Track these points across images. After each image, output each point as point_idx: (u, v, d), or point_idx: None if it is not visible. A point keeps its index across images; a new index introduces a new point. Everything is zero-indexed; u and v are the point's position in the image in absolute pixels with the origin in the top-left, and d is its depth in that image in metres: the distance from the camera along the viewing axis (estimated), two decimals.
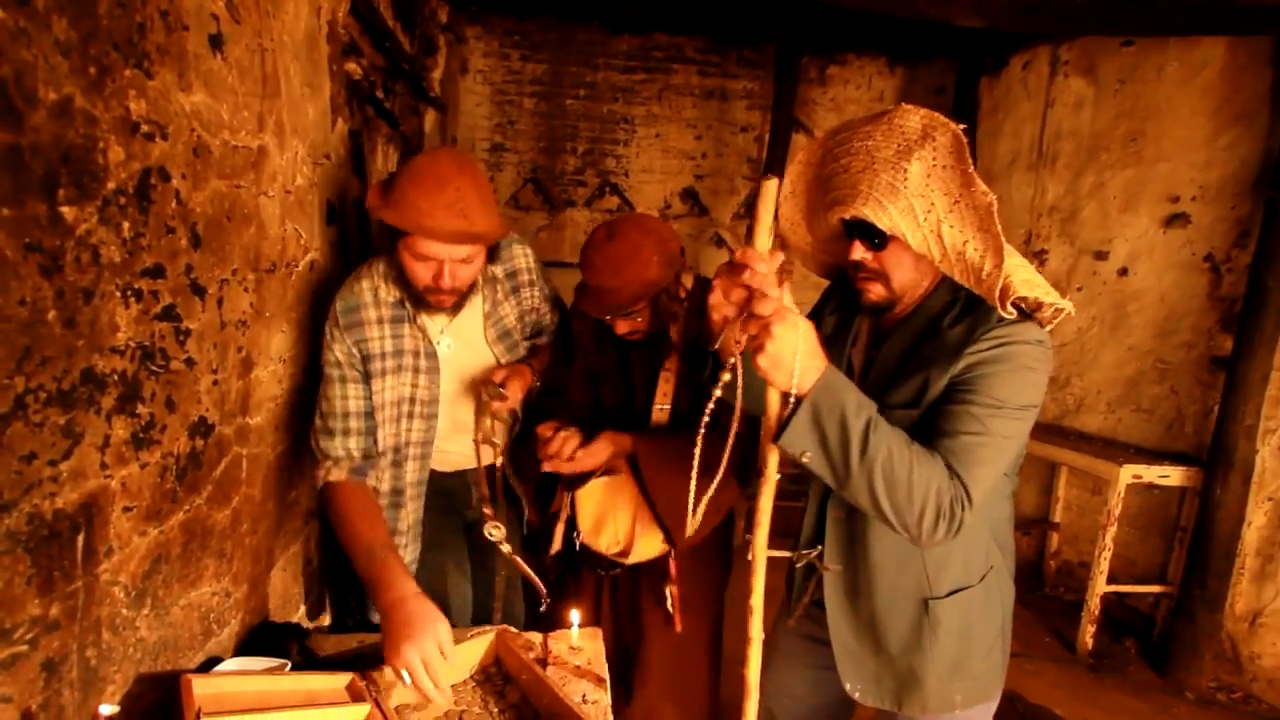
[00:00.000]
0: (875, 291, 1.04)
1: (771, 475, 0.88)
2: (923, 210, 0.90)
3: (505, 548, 1.44)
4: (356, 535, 1.25)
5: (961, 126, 0.90)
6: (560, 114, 4.20)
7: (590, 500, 1.50)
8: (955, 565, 1.10)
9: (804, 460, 0.89)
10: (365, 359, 1.36)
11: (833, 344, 1.21)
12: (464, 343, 1.48)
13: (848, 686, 1.17)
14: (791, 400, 0.86)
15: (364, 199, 2.06)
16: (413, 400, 1.43)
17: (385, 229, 1.28)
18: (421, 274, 1.29)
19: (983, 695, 1.15)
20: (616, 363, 1.58)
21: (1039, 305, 0.96)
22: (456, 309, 1.40)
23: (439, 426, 1.48)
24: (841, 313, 1.21)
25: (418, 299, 1.35)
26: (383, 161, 2.47)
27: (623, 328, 1.47)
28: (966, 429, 0.94)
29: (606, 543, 1.49)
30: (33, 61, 0.70)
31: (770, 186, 0.79)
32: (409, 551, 1.49)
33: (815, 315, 1.32)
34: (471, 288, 1.38)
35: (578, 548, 1.52)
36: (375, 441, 1.40)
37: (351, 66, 1.92)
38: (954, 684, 1.12)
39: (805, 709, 1.32)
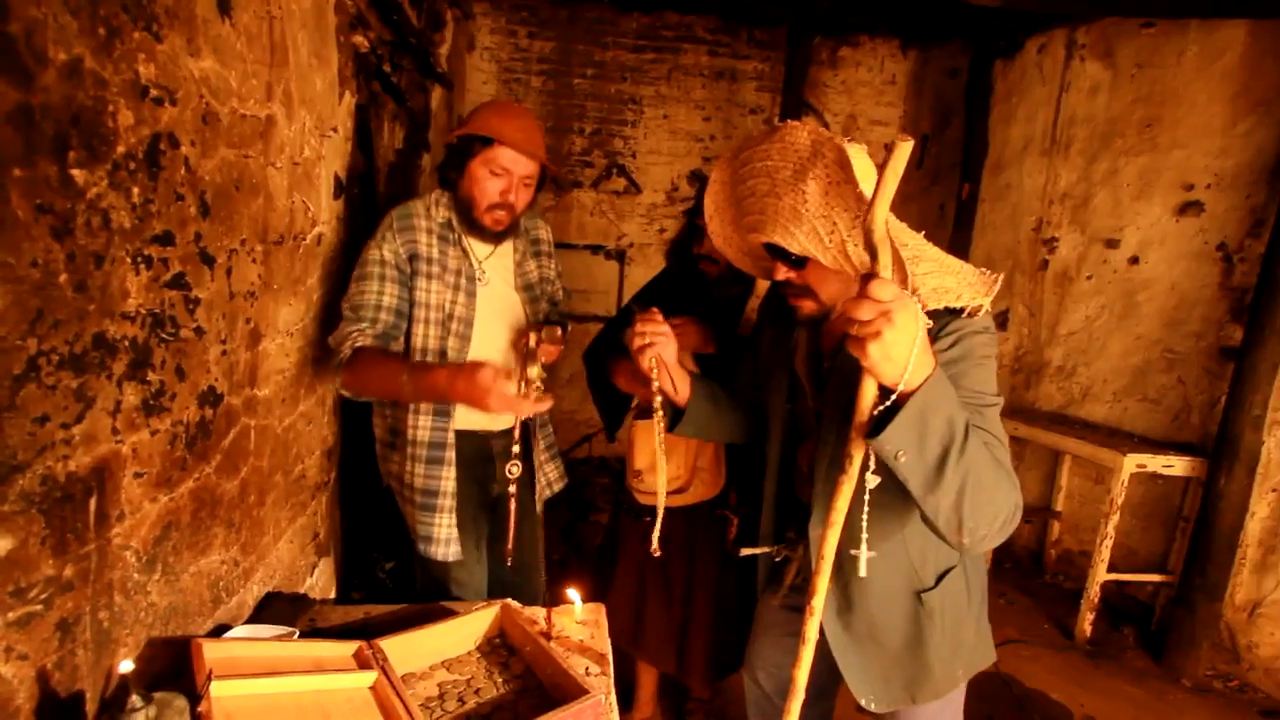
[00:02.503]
0: (806, 306, 1.06)
1: (854, 474, 0.82)
2: (825, 231, 0.92)
3: (512, 489, 1.49)
4: (395, 370, 1.34)
5: (846, 140, 0.91)
6: (568, 93, 4.16)
7: (647, 437, 1.53)
8: (937, 551, 1.11)
9: (897, 461, 0.80)
10: (413, 258, 1.48)
11: (774, 355, 1.22)
12: (497, 277, 1.59)
13: (861, 701, 1.17)
14: (894, 397, 0.79)
15: (370, 175, 2.06)
16: (450, 316, 1.52)
17: (453, 157, 1.47)
18: (491, 189, 1.45)
19: (981, 662, 1.19)
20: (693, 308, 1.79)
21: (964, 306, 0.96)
22: (500, 239, 1.55)
23: (472, 354, 1.55)
24: (779, 323, 1.21)
25: (472, 222, 1.49)
26: (389, 137, 2.45)
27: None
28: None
29: (664, 479, 1.54)
30: (42, 19, 0.69)
31: (905, 149, 0.69)
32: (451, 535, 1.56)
33: (758, 324, 1.33)
34: (512, 227, 1.54)
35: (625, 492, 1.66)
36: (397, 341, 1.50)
37: (359, 39, 1.89)
38: (956, 661, 1.15)
39: (789, 677, 1.34)
